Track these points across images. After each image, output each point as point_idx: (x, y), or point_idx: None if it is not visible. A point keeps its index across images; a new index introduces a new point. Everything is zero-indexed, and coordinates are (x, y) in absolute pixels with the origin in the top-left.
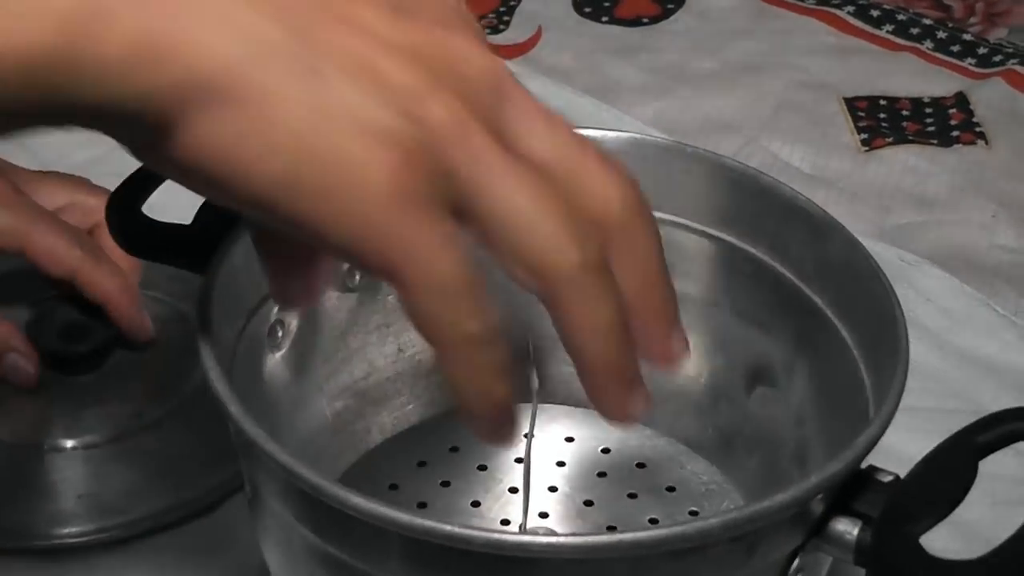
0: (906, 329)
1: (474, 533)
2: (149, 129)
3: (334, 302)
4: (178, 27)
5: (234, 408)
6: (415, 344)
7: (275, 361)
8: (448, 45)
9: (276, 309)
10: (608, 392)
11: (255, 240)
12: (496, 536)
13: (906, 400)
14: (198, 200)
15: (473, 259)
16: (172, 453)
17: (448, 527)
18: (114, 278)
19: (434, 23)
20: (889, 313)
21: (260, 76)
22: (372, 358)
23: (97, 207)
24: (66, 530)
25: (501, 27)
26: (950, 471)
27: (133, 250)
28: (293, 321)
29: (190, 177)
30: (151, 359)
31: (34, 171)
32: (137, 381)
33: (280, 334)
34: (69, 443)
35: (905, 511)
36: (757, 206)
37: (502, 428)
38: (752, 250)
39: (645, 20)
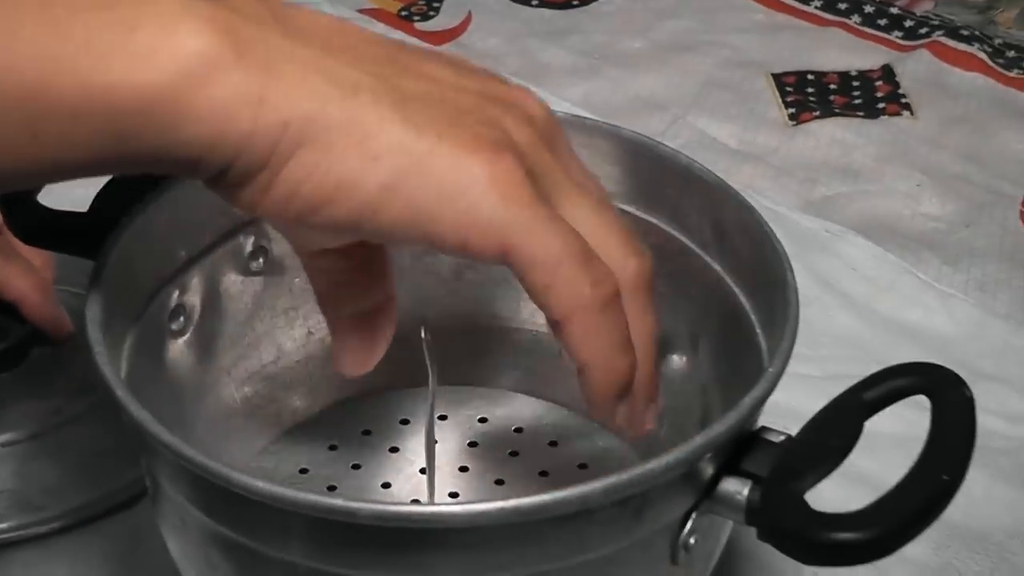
0: (796, 292)
1: (358, 505)
2: (243, 169)
3: (238, 286)
4: (276, 77)
5: (120, 392)
6: (324, 327)
7: (178, 347)
8: (508, 91)
9: (177, 293)
10: (615, 405)
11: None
12: (379, 507)
13: (831, 367)
14: (93, 189)
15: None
16: (93, 448)
17: (331, 500)
18: (26, 276)
19: (489, 78)
20: (780, 276)
21: (352, 106)
22: (280, 342)
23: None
24: None
25: (431, 13)
26: (838, 428)
27: (28, 239)
28: (195, 306)
29: (287, 208)
30: (70, 354)
31: None
32: (57, 377)
33: (182, 319)
34: None
35: (792, 469)
36: (656, 176)
37: (622, 402)
38: (654, 220)
39: (575, 2)
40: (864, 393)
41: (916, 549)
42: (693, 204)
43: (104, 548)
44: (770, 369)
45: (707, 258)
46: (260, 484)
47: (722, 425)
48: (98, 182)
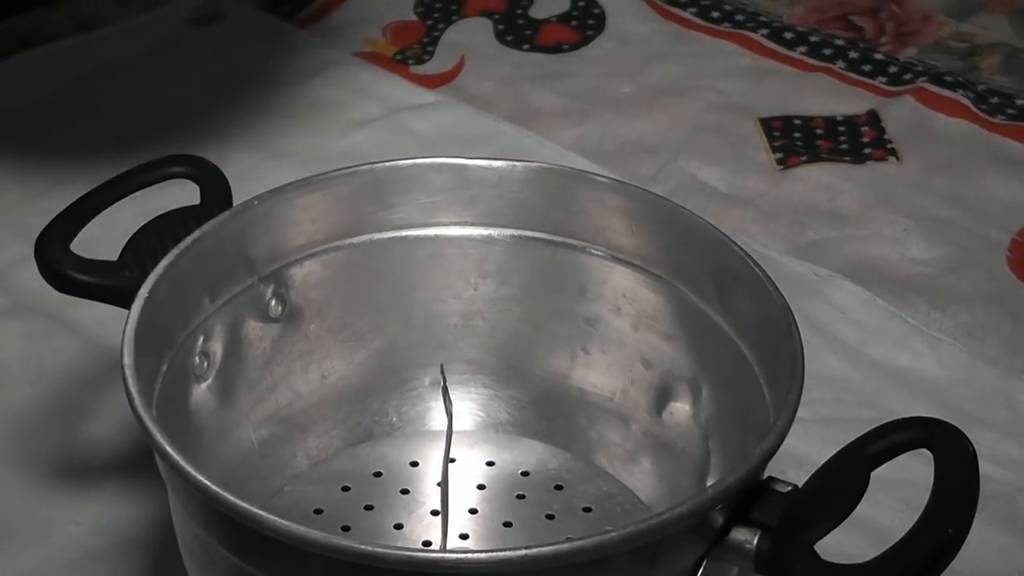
0: (801, 345)
1: (386, 551)
2: None
3: (258, 332)
4: None
5: (159, 437)
6: (337, 371)
7: (201, 391)
8: None
9: (201, 340)
10: None
11: None
12: (407, 553)
13: (822, 411)
14: (123, 237)
15: None
16: None
17: (360, 546)
18: None
19: None
20: (784, 330)
21: None
22: (296, 385)
23: None
24: None
25: (425, 57)
26: (844, 481)
27: (62, 287)
28: (218, 352)
29: None
30: None
31: None
32: None
33: (205, 365)
34: None
35: (801, 519)
36: (660, 230)
37: None
38: (657, 272)
39: (565, 47)
40: (868, 446)
41: None
42: (694, 258)
43: None
44: (779, 422)
45: (709, 310)
46: (294, 528)
47: (734, 476)
48: (127, 233)
